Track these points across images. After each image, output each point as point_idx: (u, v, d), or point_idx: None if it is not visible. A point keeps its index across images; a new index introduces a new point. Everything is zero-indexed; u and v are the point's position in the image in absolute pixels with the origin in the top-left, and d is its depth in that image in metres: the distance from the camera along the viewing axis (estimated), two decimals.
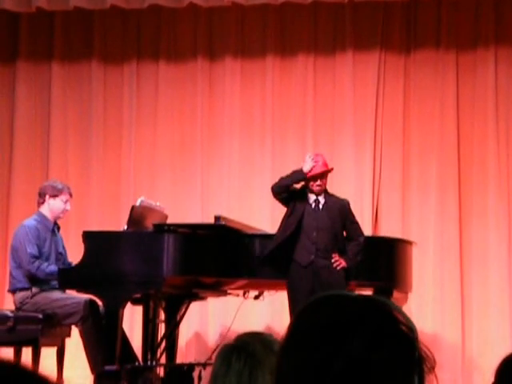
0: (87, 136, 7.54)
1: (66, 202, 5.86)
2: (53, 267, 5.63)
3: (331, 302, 1.00)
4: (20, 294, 5.70)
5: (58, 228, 5.95)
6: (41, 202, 5.87)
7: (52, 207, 5.83)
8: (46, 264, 5.65)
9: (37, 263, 5.63)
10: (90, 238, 5.55)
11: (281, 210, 7.31)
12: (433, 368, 0.99)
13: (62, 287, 5.58)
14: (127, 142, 7.52)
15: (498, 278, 6.98)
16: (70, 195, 5.91)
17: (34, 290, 5.68)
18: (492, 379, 2.57)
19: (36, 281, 5.67)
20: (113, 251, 5.46)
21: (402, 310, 1.00)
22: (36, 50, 7.65)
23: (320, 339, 0.96)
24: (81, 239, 5.57)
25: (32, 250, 5.66)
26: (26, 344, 5.63)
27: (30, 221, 5.83)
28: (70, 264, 5.78)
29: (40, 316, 5.55)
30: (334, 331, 0.96)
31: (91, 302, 5.55)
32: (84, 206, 7.28)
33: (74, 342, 5.95)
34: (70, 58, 7.61)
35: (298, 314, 1.00)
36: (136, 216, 5.71)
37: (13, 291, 5.76)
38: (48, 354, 5.84)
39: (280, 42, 7.47)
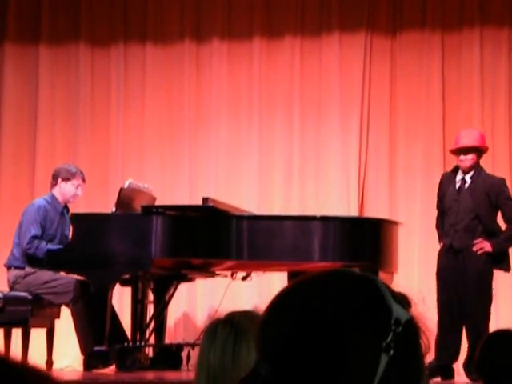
0: (75, 118, 7.54)
1: (77, 187, 5.89)
2: (50, 246, 5.65)
3: (322, 276, 1.00)
4: (14, 272, 5.74)
5: (68, 210, 5.97)
6: (53, 184, 5.91)
7: (63, 190, 5.87)
8: (44, 243, 5.68)
9: (36, 242, 5.66)
10: (78, 219, 5.58)
11: (268, 192, 7.37)
12: (424, 354, 0.98)
13: (51, 269, 5.61)
14: (115, 124, 7.52)
15: None
16: (83, 180, 5.94)
17: (28, 269, 5.71)
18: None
19: (33, 260, 5.69)
20: (101, 233, 5.49)
21: (395, 293, 1.00)
22: (23, 33, 7.63)
23: (296, 307, 0.96)
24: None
25: (34, 230, 5.69)
26: (16, 325, 5.67)
27: (41, 200, 5.88)
28: None
29: (29, 297, 5.58)
30: (311, 299, 0.96)
31: (82, 283, 5.58)
32: None
33: (64, 323, 5.99)
34: (58, 40, 7.60)
35: (284, 288, 1.01)
36: (124, 198, 5.73)
37: (8, 267, 5.80)
38: (37, 335, 5.88)
39: (267, 24, 7.48)
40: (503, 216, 5.58)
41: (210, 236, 5.58)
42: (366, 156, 7.35)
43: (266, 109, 7.43)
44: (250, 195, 7.25)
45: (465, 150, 5.58)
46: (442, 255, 5.74)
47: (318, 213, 6.24)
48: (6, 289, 5.80)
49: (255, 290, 6.94)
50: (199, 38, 7.52)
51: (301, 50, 7.42)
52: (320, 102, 7.41)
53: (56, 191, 5.89)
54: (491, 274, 5.71)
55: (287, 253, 5.64)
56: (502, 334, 2.65)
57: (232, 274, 6.13)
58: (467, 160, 5.55)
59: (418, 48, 7.36)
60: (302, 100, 7.40)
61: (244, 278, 6.19)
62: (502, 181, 5.68)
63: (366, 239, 5.78)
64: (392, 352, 0.94)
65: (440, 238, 5.80)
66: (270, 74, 7.44)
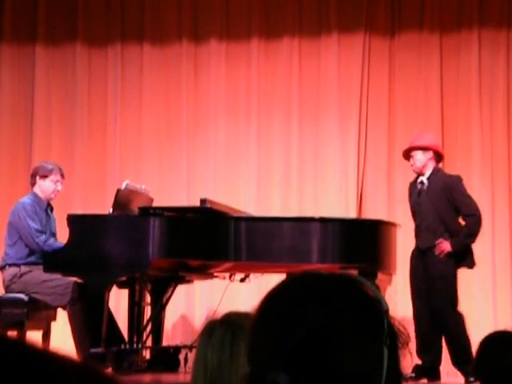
0: (71, 119, 7.52)
1: (56, 183, 5.86)
2: (58, 244, 5.63)
3: (300, 279, 1.02)
4: (9, 271, 5.68)
5: (51, 209, 5.95)
6: (33, 183, 5.91)
7: (42, 188, 5.85)
8: (52, 239, 5.66)
9: (43, 237, 5.64)
10: (75, 221, 5.54)
11: (266, 193, 7.34)
12: (406, 343, 1.01)
13: (47, 270, 5.57)
14: (112, 125, 7.50)
15: (481, 261, 7.02)
16: (62, 176, 5.91)
17: (23, 268, 5.66)
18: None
19: (32, 254, 5.65)
20: (98, 234, 5.46)
21: (372, 286, 1.02)
22: (19, 33, 7.61)
23: (284, 312, 0.98)
24: (65, 222, 5.57)
25: (35, 224, 5.67)
26: (12, 327, 5.62)
27: (25, 199, 5.86)
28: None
29: (25, 299, 5.54)
30: (296, 303, 0.98)
31: (80, 285, 5.55)
32: (69, 189, 7.25)
33: (60, 326, 5.96)
34: (54, 40, 7.58)
35: (269, 292, 1.02)
36: (121, 199, 5.70)
37: (2, 267, 5.75)
38: (34, 338, 5.84)
39: (265, 24, 7.47)
40: (460, 212, 5.58)
41: (208, 237, 5.56)
42: (365, 157, 7.34)
43: (264, 110, 7.41)
44: (249, 196, 7.23)
45: (409, 152, 5.63)
46: (411, 257, 5.73)
47: (317, 214, 6.22)
48: (1, 291, 5.76)
49: (253, 291, 6.91)
50: (197, 39, 7.50)
51: (299, 51, 7.40)
52: (318, 103, 7.39)
53: (36, 189, 5.88)
54: (455, 274, 5.69)
55: (286, 254, 5.62)
56: (500, 335, 2.62)
57: (230, 276, 6.11)
58: (414, 162, 5.62)
59: (416, 49, 7.36)
60: (300, 101, 7.39)
61: (242, 280, 6.16)
62: (458, 177, 5.71)
63: (365, 241, 5.77)
64: (388, 343, 0.97)
65: None
66: (268, 75, 7.43)
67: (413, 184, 5.73)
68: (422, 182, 5.61)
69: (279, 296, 1.01)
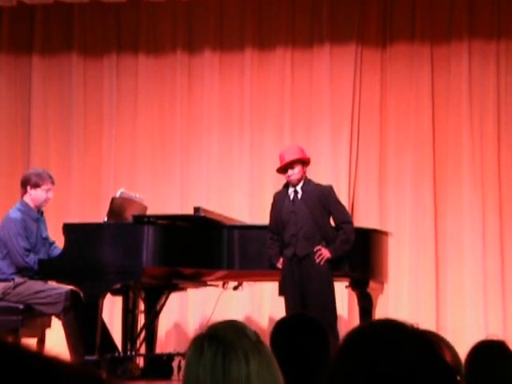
0: (68, 128, 7.57)
1: (47, 191, 5.82)
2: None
3: (381, 331, 1.07)
4: (2, 285, 5.69)
5: (42, 213, 5.92)
6: (23, 192, 5.84)
7: (34, 197, 5.80)
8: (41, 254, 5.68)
9: (32, 256, 5.62)
10: (70, 229, 5.58)
11: (260, 202, 7.40)
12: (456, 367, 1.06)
13: (43, 278, 5.60)
14: (107, 135, 7.55)
15: (472, 269, 7.09)
16: (52, 183, 5.86)
17: (17, 280, 5.68)
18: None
19: (23, 270, 5.67)
20: (93, 243, 5.50)
21: (452, 347, 1.07)
22: (16, 43, 7.66)
23: (366, 370, 1.03)
24: (61, 231, 5.60)
25: (24, 243, 5.64)
26: (6, 334, 5.64)
27: (15, 212, 5.77)
28: (53, 243, 5.80)
29: (20, 307, 5.56)
30: (378, 364, 1.03)
31: (73, 293, 5.57)
32: (64, 198, 7.30)
33: (55, 333, 5.99)
34: (50, 51, 7.63)
35: (347, 340, 1.06)
36: (116, 207, 5.74)
37: None
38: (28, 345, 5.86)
39: (258, 35, 7.53)
40: (334, 220, 5.63)
41: (202, 246, 5.60)
42: (356, 167, 7.39)
43: (257, 119, 7.47)
44: (242, 205, 7.28)
45: (290, 165, 5.64)
46: (285, 268, 5.58)
47: None
48: None
49: (247, 299, 6.96)
50: (191, 49, 7.56)
51: (292, 61, 7.46)
52: (310, 112, 7.45)
53: (27, 198, 5.79)
54: (332, 280, 5.66)
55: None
56: (490, 344, 2.65)
57: (223, 284, 6.15)
58: (294, 174, 5.63)
59: (407, 60, 7.42)
60: (292, 111, 7.45)
61: (235, 288, 6.20)
62: (330, 187, 5.77)
63: (357, 249, 5.80)
64: None
65: (274, 259, 5.62)
66: (261, 85, 7.49)
67: (280, 196, 5.72)
68: (295, 191, 5.66)
69: (358, 348, 1.05)
